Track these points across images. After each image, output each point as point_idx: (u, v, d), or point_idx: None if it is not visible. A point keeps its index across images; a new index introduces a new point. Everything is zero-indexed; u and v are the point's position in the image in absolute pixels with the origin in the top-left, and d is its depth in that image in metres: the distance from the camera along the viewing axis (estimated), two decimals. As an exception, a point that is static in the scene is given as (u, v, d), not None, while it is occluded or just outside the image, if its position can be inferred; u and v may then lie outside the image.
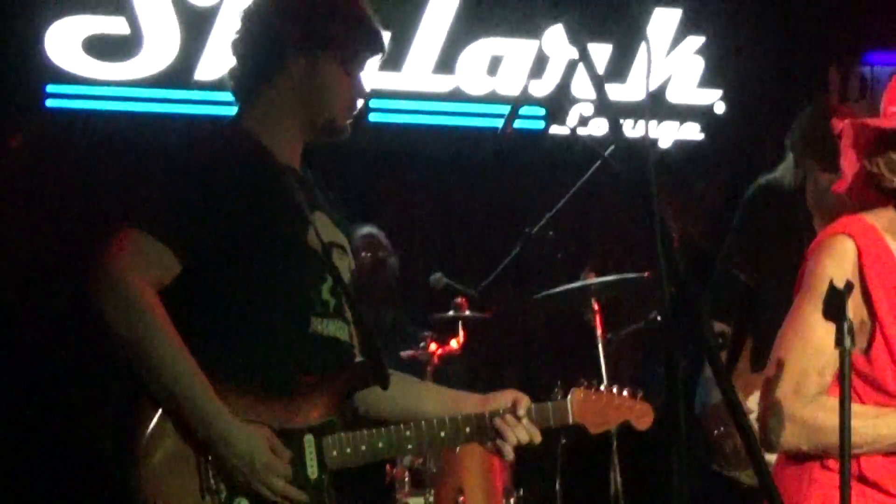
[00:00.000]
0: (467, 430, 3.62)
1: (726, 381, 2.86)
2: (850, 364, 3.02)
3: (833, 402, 3.17)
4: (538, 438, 3.65)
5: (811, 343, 3.34)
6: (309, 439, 3.46)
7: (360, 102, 3.74)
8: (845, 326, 2.97)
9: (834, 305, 3.00)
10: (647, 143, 3.03)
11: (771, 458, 3.68)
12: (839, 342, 2.99)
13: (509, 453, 3.61)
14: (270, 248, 3.47)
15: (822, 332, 3.23)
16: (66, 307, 6.63)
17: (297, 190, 3.61)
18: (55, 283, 6.65)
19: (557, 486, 6.10)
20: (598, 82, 2.92)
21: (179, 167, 3.52)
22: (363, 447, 3.53)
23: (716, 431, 4.96)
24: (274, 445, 3.37)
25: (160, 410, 3.31)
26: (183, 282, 3.38)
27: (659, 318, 5.31)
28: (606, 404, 3.84)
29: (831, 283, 3.09)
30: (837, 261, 3.36)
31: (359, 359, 3.67)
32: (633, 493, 5.85)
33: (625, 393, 3.92)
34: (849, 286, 3.02)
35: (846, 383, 3.00)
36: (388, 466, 5.64)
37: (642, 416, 3.89)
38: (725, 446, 4.91)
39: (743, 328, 5.58)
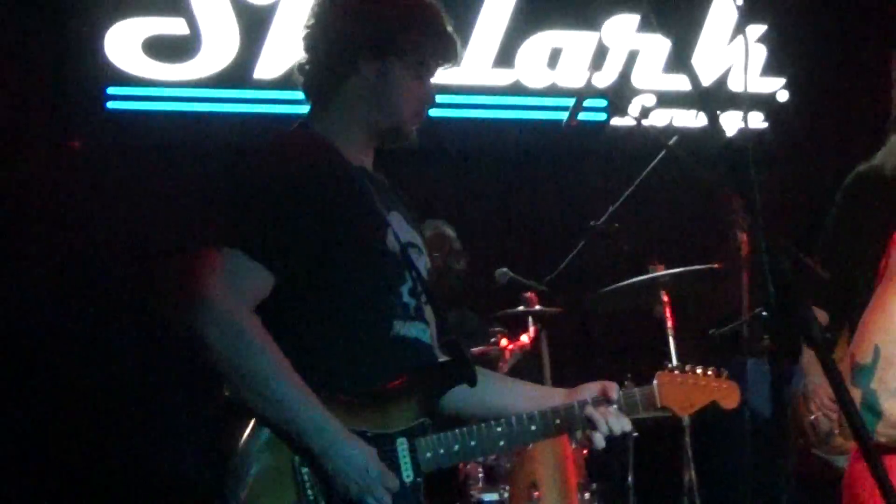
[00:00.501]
0: (557, 421, 3.60)
1: (835, 372, 2.81)
2: None
3: None
4: (629, 426, 3.64)
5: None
6: (402, 442, 3.45)
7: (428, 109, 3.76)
8: None
9: None
10: (733, 143, 2.93)
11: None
12: None
13: (600, 442, 3.58)
14: (352, 255, 3.47)
15: None
16: (131, 312, 6.73)
17: (373, 193, 3.61)
18: (119, 286, 6.70)
19: (630, 480, 6.07)
20: (692, 73, 2.86)
21: (261, 179, 3.50)
22: (456, 447, 3.52)
23: (812, 417, 4.92)
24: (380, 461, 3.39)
25: (251, 426, 3.32)
26: (275, 296, 3.38)
27: (764, 313, 5.24)
28: (692, 385, 3.83)
29: None
30: None
31: (442, 359, 3.67)
32: (706, 485, 5.83)
33: (710, 373, 3.87)
34: None
35: None
36: (461, 463, 5.55)
37: (729, 396, 3.87)
38: (821, 429, 4.89)
39: (841, 318, 5.53)
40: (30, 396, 6.64)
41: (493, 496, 5.58)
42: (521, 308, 6.08)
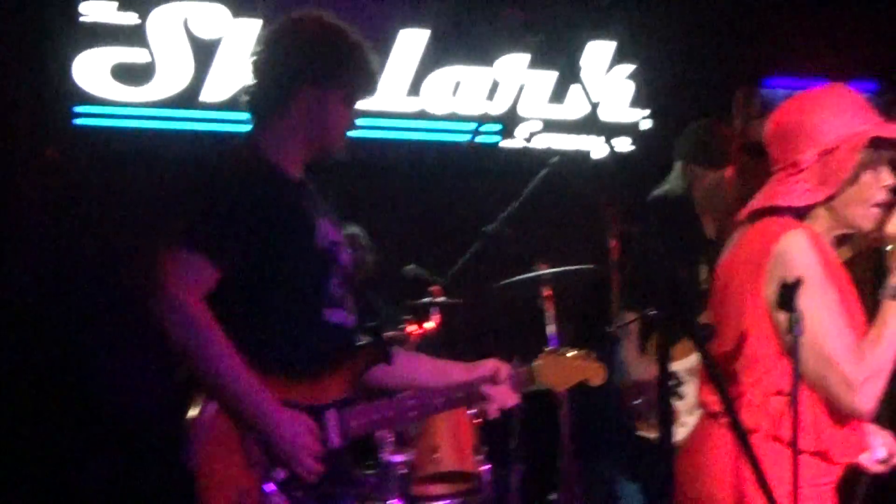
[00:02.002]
0: (459, 395, 3.68)
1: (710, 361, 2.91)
2: (798, 352, 3.04)
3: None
4: (518, 400, 3.74)
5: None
6: (332, 413, 3.48)
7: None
8: (794, 317, 3.01)
9: (784, 298, 3.04)
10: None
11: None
12: (790, 330, 3.03)
13: (494, 413, 3.68)
14: (286, 252, 3.49)
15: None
16: (104, 308, 6.75)
17: (303, 199, 3.63)
18: (92, 283, 6.73)
19: (514, 444, 6.09)
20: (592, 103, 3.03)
21: (208, 189, 3.52)
22: (375, 416, 3.57)
23: (635, 402, 5.16)
24: (311, 427, 3.41)
25: (202, 400, 3.35)
26: (221, 287, 3.40)
27: (653, 312, 5.43)
28: (566, 366, 3.91)
29: (783, 278, 3.11)
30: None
31: (362, 341, 3.69)
32: (579, 445, 5.92)
33: (581, 354, 3.95)
34: (798, 280, 3.03)
35: (797, 365, 3.05)
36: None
37: (596, 374, 3.94)
38: (643, 413, 5.10)
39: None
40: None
41: (401, 457, 5.57)
42: (426, 299, 6.08)
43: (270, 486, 3.34)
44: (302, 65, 3.63)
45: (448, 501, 5.78)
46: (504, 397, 3.71)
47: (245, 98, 3.72)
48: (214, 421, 3.35)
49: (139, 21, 7.09)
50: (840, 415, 3.31)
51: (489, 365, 3.75)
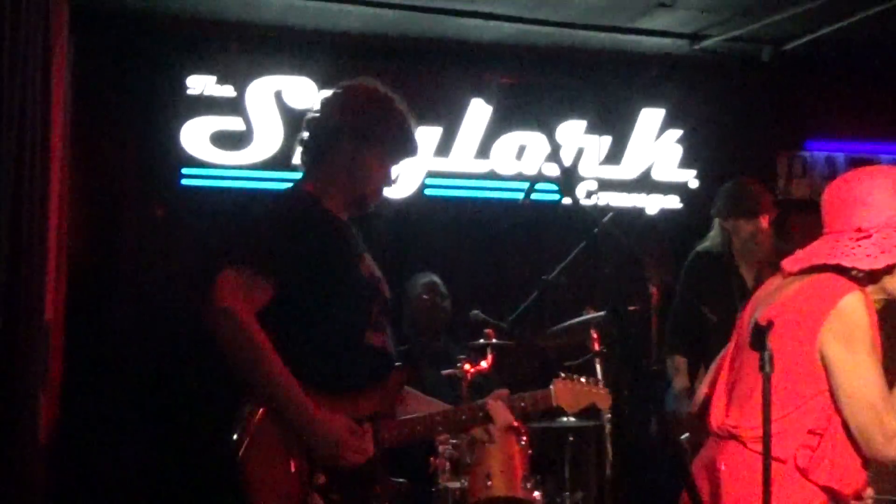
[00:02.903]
0: (480, 414, 3.75)
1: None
2: (770, 387, 3.01)
3: None
4: (512, 421, 3.82)
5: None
6: (367, 425, 3.55)
7: (387, 190, 3.86)
8: (766, 356, 2.98)
9: (758, 339, 3.02)
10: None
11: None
12: (761, 368, 3.00)
13: (493, 435, 3.80)
14: (334, 278, 3.57)
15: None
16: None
17: (349, 236, 3.74)
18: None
19: (567, 473, 6.10)
20: (563, 169, 3.14)
21: (267, 221, 3.62)
22: (406, 429, 3.65)
23: (682, 436, 5.16)
24: (353, 428, 3.48)
25: (262, 410, 3.42)
26: (273, 306, 3.46)
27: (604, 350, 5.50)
28: (579, 390, 4.03)
29: (756, 321, 3.15)
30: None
31: (398, 364, 3.76)
32: (623, 475, 5.89)
33: (591, 381, 4.09)
34: (770, 323, 3.03)
35: (767, 401, 3.01)
36: (432, 459, 5.60)
37: (604, 400, 4.09)
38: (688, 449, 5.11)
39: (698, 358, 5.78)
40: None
41: (457, 484, 5.55)
42: (481, 340, 6.06)
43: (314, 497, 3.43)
44: (345, 122, 3.75)
45: (501, 525, 5.64)
46: (506, 418, 3.77)
47: (298, 149, 3.87)
48: (261, 426, 3.42)
49: (235, 94, 7.25)
50: (857, 456, 3.34)
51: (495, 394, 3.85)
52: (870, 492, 3.52)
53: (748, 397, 3.42)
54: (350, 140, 3.74)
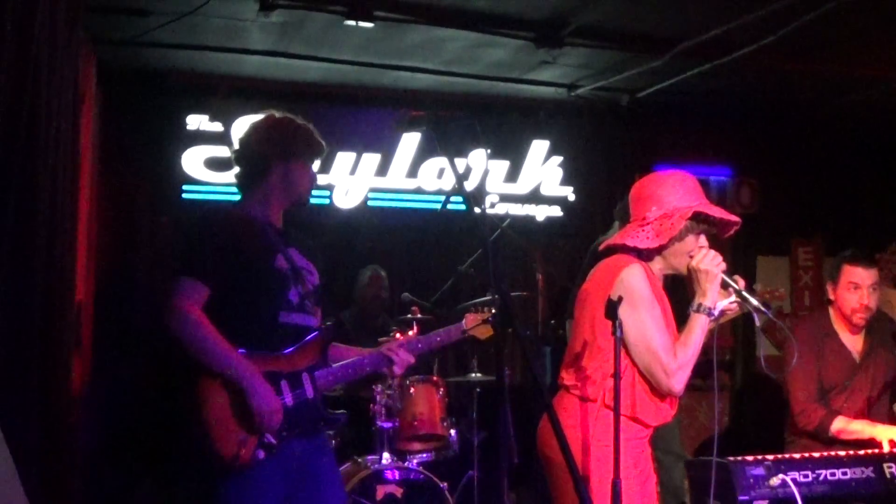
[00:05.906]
0: (385, 358, 3.66)
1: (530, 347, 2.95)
2: (621, 348, 3.09)
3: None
4: (413, 361, 3.71)
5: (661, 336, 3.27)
6: (305, 375, 3.51)
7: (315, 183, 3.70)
8: (617, 323, 3.04)
9: (610, 310, 3.06)
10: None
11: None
12: (613, 333, 3.06)
13: (399, 371, 3.68)
14: (248, 273, 3.43)
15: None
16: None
17: (270, 235, 3.53)
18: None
19: (474, 415, 6.05)
20: (460, 181, 3.18)
21: (197, 236, 3.48)
22: (338, 373, 3.58)
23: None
24: (268, 386, 3.36)
25: (205, 376, 3.33)
26: (212, 299, 3.39)
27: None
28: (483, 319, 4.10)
29: (609, 296, 3.13)
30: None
31: (318, 328, 3.62)
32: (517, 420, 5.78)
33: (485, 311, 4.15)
34: (620, 298, 3.06)
35: (617, 361, 3.06)
36: (370, 405, 5.58)
37: (483, 334, 4.12)
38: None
39: None
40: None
41: (389, 424, 5.52)
42: (409, 315, 5.98)
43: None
44: (267, 148, 3.59)
45: (424, 455, 5.70)
46: (405, 359, 3.69)
47: (235, 179, 3.69)
48: (215, 394, 3.36)
49: (224, 129, 7.16)
50: (656, 392, 3.32)
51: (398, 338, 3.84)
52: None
53: (569, 354, 3.46)
54: (278, 162, 3.59)
